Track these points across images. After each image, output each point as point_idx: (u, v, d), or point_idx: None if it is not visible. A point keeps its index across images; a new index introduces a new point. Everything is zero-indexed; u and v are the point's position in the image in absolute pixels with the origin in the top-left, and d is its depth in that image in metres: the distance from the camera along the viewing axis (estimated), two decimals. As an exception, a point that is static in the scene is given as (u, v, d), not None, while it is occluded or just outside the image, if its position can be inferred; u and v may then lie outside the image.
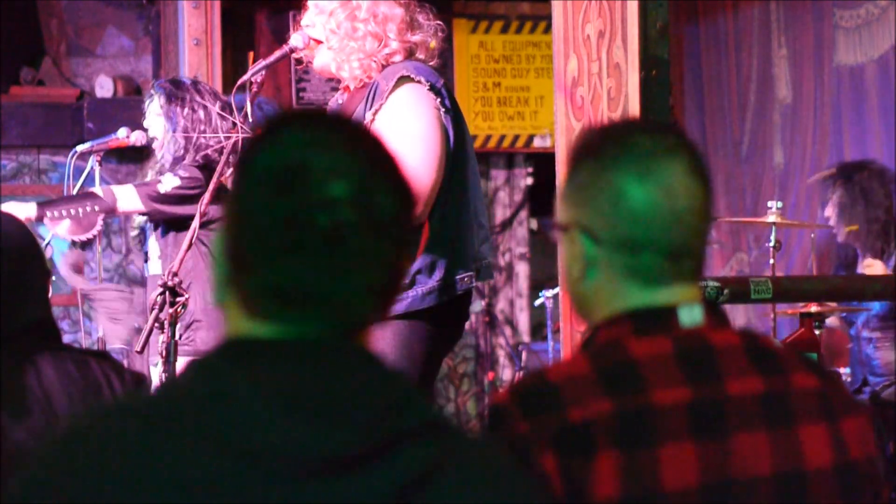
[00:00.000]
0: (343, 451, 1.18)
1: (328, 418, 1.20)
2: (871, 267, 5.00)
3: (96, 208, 4.11)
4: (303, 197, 1.24)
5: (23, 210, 4.05)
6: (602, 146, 1.64)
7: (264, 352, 1.24)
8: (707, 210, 1.62)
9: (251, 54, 3.48)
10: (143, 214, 4.29)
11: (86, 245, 4.26)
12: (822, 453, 1.58)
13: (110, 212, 4.17)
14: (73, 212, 4.08)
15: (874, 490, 1.62)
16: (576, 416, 1.51)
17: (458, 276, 3.21)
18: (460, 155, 3.23)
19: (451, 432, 1.26)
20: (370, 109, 3.17)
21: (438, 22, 3.34)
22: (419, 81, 3.17)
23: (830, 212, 5.22)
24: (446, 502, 1.21)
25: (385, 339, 3.16)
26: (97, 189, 4.21)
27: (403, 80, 3.18)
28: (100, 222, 4.13)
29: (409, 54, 3.28)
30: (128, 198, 4.17)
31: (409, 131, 3.15)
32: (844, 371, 5.01)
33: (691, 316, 1.60)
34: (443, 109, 3.18)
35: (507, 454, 1.32)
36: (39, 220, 4.08)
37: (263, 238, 1.25)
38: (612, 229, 1.61)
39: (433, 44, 3.32)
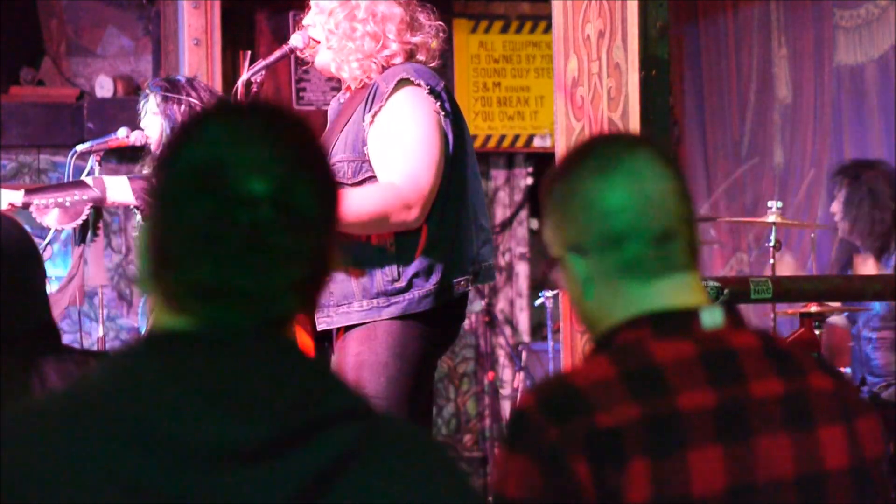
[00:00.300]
0: (255, 440, 1.18)
1: (240, 409, 1.20)
2: (866, 264, 5.00)
3: (84, 197, 4.08)
4: (223, 195, 1.24)
5: (10, 196, 4.02)
6: (564, 167, 1.68)
7: (179, 344, 1.24)
8: (682, 192, 1.64)
9: (241, 54, 3.46)
10: (136, 208, 4.27)
11: (83, 235, 4.23)
12: (840, 454, 1.59)
13: (100, 202, 4.13)
14: (60, 200, 4.06)
15: (884, 490, 1.63)
16: (604, 422, 1.51)
17: (455, 280, 3.21)
18: (460, 157, 3.23)
19: (373, 418, 1.25)
20: (369, 111, 3.17)
21: (440, 22, 3.34)
22: (419, 85, 3.17)
23: (836, 208, 5.21)
24: (364, 488, 1.21)
25: (379, 340, 3.16)
26: (87, 178, 4.18)
27: (403, 82, 3.17)
28: (86, 211, 4.10)
29: (410, 56, 3.27)
30: (119, 189, 4.13)
31: (407, 135, 3.14)
32: (845, 371, 5.01)
33: (713, 318, 1.61)
34: (442, 113, 3.18)
35: (437, 442, 1.31)
36: (26, 206, 4.06)
37: (184, 235, 1.25)
38: (591, 233, 1.62)
39: (434, 44, 3.31)
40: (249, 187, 1.24)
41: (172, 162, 1.28)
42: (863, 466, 1.60)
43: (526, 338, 7.59)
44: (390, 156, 3.15)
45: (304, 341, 3.26)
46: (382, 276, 3.15)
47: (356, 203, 3.09)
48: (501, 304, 7.67)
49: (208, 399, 1.20)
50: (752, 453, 1.53)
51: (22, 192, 4.09)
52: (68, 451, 1.19)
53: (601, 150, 1.66)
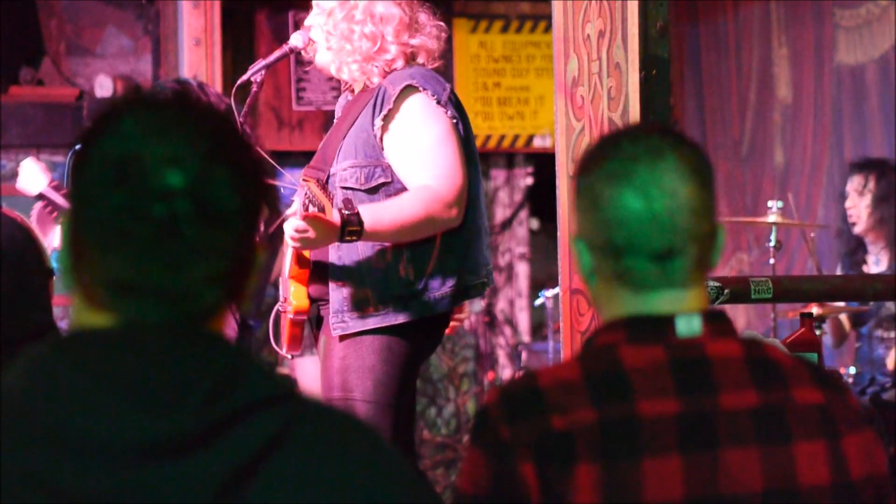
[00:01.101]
0: (175, 435, 1.17)
1: (158, 404, 1.18)
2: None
3: None
4: (138, 187, 1.22)
5: (34, 184, 4.03)
6: (591, 155, 1.65)
7: (94, 341, 1.23)
8: (701, 210, 1.59)
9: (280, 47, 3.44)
10: None
11: None
12: (819, 471, 1.55)
13: None
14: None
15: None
16: (558, 424, 1.50)
17: (470, 283, 3.21)
18: (470, 161, 3.24)
19: (297, 403, 1.24)
20: (379, 115, 3.16)
21: (440, 23, 3.32)
22: (425, 92, 3.16)
23: (858, 201, 5.16)
24: (291, 473, 1.20)
25: (366, 343, 3.15)
26: None
27: (410, 89, 3.17)
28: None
29: (410, 58, 3.26)
30: None
31: (428, 138, 3.14)
32: (846, 371, 5.00)
33: (689, 326, 1.58)
34: (454, 120, 3.19)
35: (364, 423, 1.29)
36: (40, 198, 4.06)
37: (99, 228, 1.23)
38: (598, 236, 1.61)
39: (434, 45, 3.30)
40: (165, 180, 1.22)
41: (87, 156, 1.26)
42: (846, 485, 1.55)
43: (526, 338, 7.59)
44: (417, 160, 3.15)
45: (301, 303, 3.23)
46: (399, 280, 3.14)
47: (396, 212, 3.08)
48: (501, 304, 7.66)
49: (125, 396, 1.18)
50: (717, 465, 1.51)
51: (45, 182, 4.07)
52: None
53: (626, 149, 1.60)
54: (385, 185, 3.17)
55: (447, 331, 3.30)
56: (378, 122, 3.15)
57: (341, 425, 1.26)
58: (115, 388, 1.19)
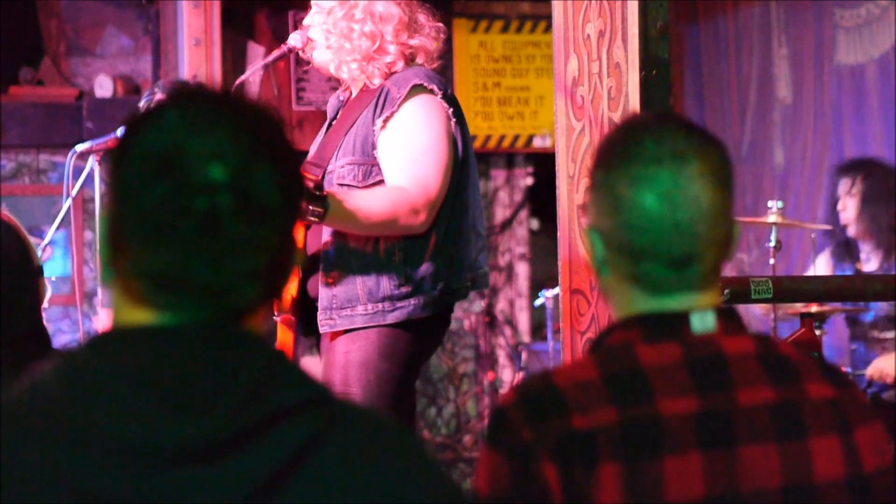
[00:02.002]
0: (206, 438, 1.17)
1: (193, 406, 1.17)
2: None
3: None
4: (180, 180, 1.21)
5: None
6: (611, 149, 1.62)
7: (130, 341, 1.22)
8: (721, 216, 1.58)
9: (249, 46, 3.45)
10: None
11: None
12: (834, 466, 1.55)
13: None
14: None
15: (890, 500, 1.59)
16: (579, 425, 1.50)
17: (456, 287, 3.22)
18: (465, 164, 3.24)
19: (333, 406, 1.23)
20: (380, 116, 3.16)
21: (440, 24, 3.33)
22: (432, 90, 3.17)
23: (849, 202, 5.18)
24: (326, 477, 1.19)
25: (369, 340, 3.15)
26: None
27: (417, 88, 3.17)
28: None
29: (409, 59, 3.27)
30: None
31: (418, 140, 3.14)
32: (847, 370, 5.01)
33: (703, 322, 1.58)
34: (454, 120, 3.19)
35: (401, 425, 1.29)
36: None
37: (140, 222, 1.22)
38: (615, 235, 1.59)
39: (434, 46, 3.30)
40: (207, 173, 1.21)
41: (129, 150, 1.25)
42: (860, 478, 1.56)
43: (526, 338, 7.59)
44: (400, 160, 3.15)
45: (285, 339, 3.24)
46: (389, 281, 3.15)
47: (364, 205, 3.09)
48: (501, 305, 7.66)
49: (159, 398, 1.18)
50: (736, 462, 1.51)
51: None
52: (18, 454, 1.17)
53: (650, 149, 1.57)
54: (382, 184, 3.17)
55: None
56: (379, 122, 3.16)
57: (376, 429, 1.26)
58: (149, 391, 1.18)
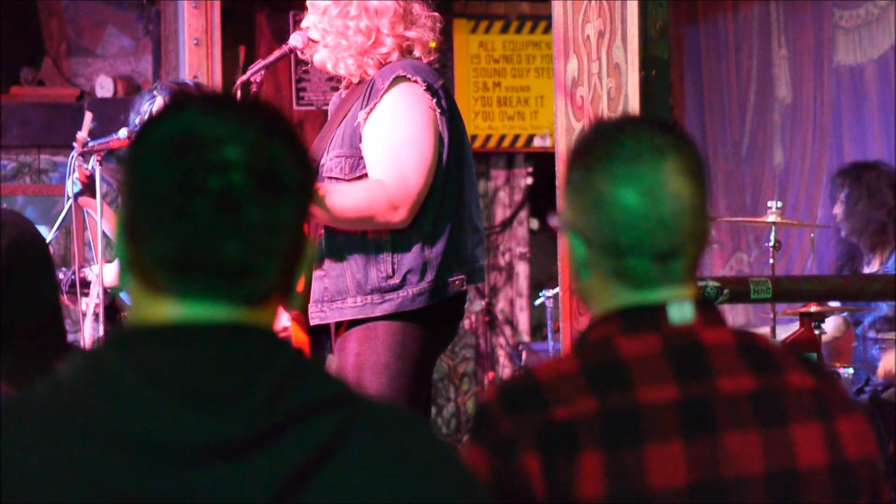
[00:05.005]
0: (229, 437, 1.17)
1: (216, 405, 1.18)
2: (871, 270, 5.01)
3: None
4: (195, 160, 1.22)
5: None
6: (590, 148, 1.63)
7: (156, 339, 1.22)
8: (699, 210, 1.60)
9: (243, 48, 3.46)
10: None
11: None
12: (816, 453, 1.56)
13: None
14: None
15: (873, 490, 1.60)
16: (560, 415, 1.51)
17: (450, 279, 3.20)
18: (456, 156, 3.22)
19: (357, 404, 1.24)
20: (365, 108, 3.16)
21: (435, 14, 3.32)
22: (415, 81, 3.16)
23: (838, 209, 5.23)
24: (350, 475, 1.19)
25: (380, 340, 3.15)
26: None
27: (399, 79, 3.17)
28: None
29: (406, 52, 3.26)
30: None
31: (399, 133, 3.13)
32: (845, 371, 5.01)
33: (681, 313, 1.59)
34: (438, 111, 3.17)
35: (425, 423, 1.30)
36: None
37: (156, 207, 1.23)
38: (597, 233, 1.61)
39: (433, 43, 3.30)
40: (221, 153, 1.22)
41: (145, 138, 1.26)
42: (843, 466, 1.57)
43: (526, 338, 7.59)
44: (381, 154, 3.14)
45: (299, 337, 3.26)
46: (377, 273, 3.15)
47: (341, 198, 3.09)
48: (501, 304, 7.67)
49: (182, 397, 1.18)
50: (718, 449, 1.52)
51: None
52: (42, 453, 1.18)
53: (628, 147, 1.59)
54: (367, 176, 3.17)
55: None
56: (362, 113, 3.16)
57: (399, 425, 1.26)
58: (172, 389, 1.18)
